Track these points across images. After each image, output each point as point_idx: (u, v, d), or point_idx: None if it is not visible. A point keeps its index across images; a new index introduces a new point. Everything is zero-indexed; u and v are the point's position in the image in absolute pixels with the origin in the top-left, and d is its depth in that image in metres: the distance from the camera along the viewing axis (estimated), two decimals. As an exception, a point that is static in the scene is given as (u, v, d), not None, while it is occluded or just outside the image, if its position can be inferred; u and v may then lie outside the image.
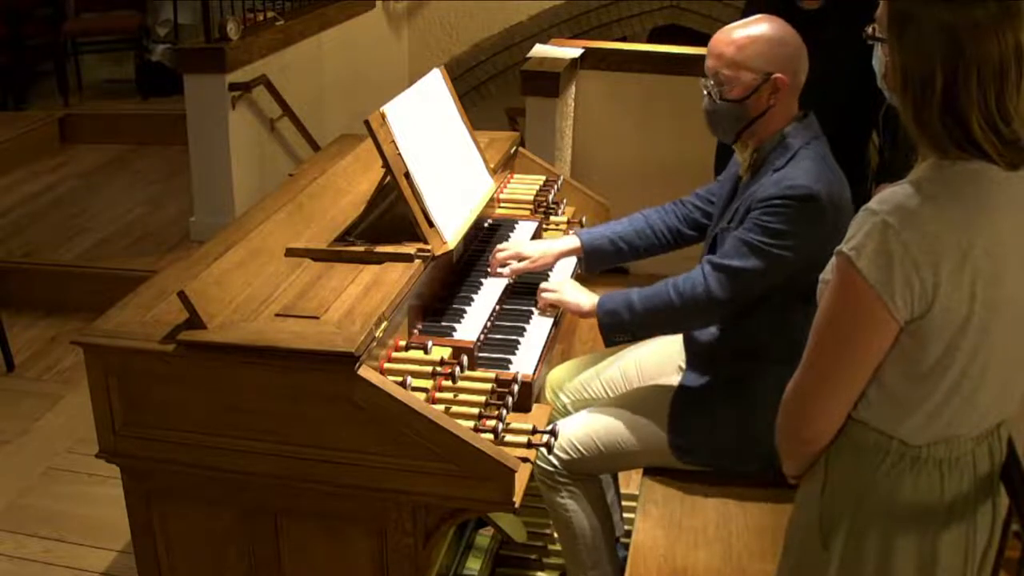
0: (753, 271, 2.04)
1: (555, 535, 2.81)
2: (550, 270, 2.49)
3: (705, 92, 2.13)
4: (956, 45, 1.34)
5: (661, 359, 2.44)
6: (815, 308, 2.09)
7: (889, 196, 1.41)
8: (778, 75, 2.05)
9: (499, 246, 2.44)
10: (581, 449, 2.24)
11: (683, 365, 2.33)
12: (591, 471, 2.29)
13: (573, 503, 2.30)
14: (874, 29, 1.47)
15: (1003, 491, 1.57)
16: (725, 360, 2.19)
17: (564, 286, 2.30)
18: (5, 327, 3.97)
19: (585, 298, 2.24)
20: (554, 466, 2.27)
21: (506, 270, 2.37)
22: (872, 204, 1.42)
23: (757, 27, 2.07)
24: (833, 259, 1.47)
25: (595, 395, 2.48)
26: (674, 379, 2.30)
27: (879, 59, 1.50)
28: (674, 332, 2.34)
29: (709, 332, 2.21)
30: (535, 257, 2.38)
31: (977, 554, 1.56)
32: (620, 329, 2.17)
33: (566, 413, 2.47)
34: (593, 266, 2.44)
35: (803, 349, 2.08)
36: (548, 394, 2.56)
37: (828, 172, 2.04)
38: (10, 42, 6.39)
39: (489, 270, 2.41)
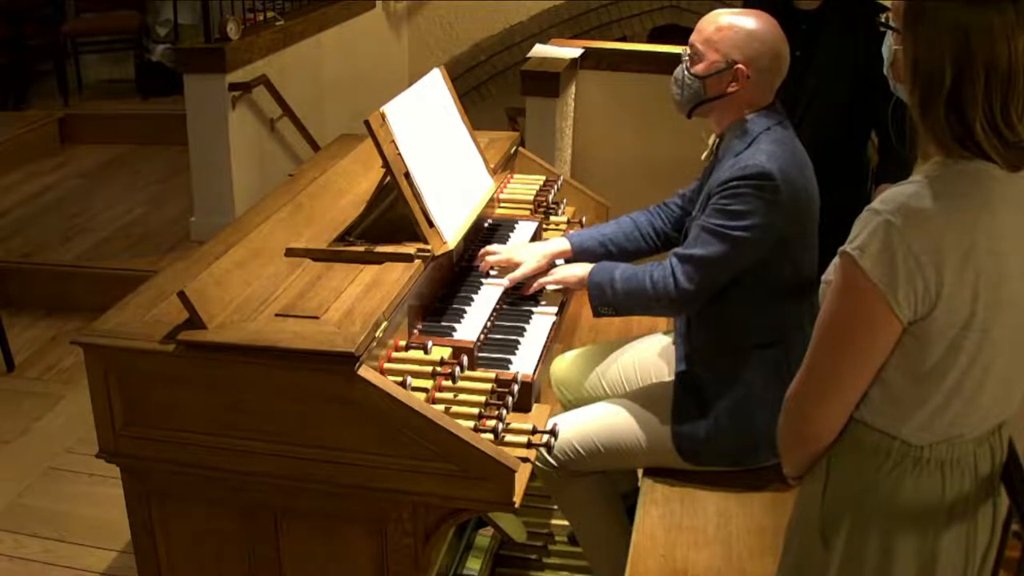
0: (717, 257, 2.07)
1: (559, 535, 2.82)
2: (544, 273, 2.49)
3: (682, 61, 2.21)
4: (967, 46, 1.34)
5: (660, 357, 2.44)
6: (800, 298, 2.13)
7: (892, 196, 1.41)
8: (740, 65, 2.10)
9: (488, 248, 2.44)
10: (580, 450, 2.25)
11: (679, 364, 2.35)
12: (591, 470, 2.30)
13: (581, 498, 2.34)
14: (887, 17, 1.47)
15: (1003, 491, 1.57)
16: (714, 355, 2.20)
17: (557, 269, 2.37)
18: (5, 327, 3.97)
19: (579, 268, 2.30)
20: (552, 467, 2.28)
21: (504, 280, 2.38)
22: (875, 204, 1.42)
23: (744, 18, 2.13)
24: (836, 259, 1.46)
25: (596, 395, 2.48)
26: (672, 378, 2.30)
27: (888, 47, 1.50)
28: (649, 315, 2.41)
29: (695, 329, 2.23)
30: (529, 263, 2.38)
31: (977, 554, 1.56)
32: (604, 303, 2.22)
33: (568, 404, 2.52)
34: None
35: (790, 338, 2.12)
36: (552, 384, 2.60)
37: (786, 154, 2.07)
38: (10, 42, 6.39)
39: (478, 263, 2.42)
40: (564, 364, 2.59)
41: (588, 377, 2.52)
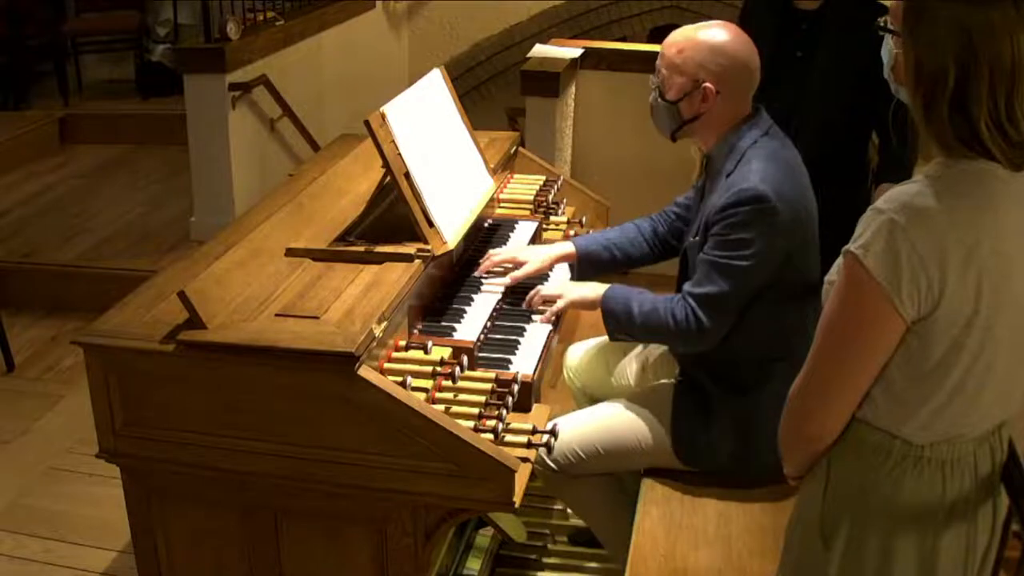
0: (729, 291, 2.06)
1: (559, 536, 2.82)
2: (547, 276, 2.49)
3: (652, 88, 2.19)
4: (970, 45, 1.34)
5: (670, 354, 2.44)
6: (803, 304, 2.13)
7: (895, 195, 1.41)
8: (707, 84, 2.07)
9: (493, 251, 2.44)
10: (581, 454, 2.25)
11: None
12: (592, 472, 2.29)
13: (587, 498, 2.35)
14: (886, 20, 1.47)
15: (1003, 491, 1.57)
16: (717, 362, 2.19)
17: (565, 289, 2.31)
18: (5, 327, 3.97)
19: (589, 291, 2.26)
20: (552, 470, 2.28)
21: (506, 279, 2.37)
22: (879, 203, 1.42)
23: (703, 33, 2.10)
24: (840, 259, 1.46)
25: (605, 387, 2.51)
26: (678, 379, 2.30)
27: (888, 51, 1.50)
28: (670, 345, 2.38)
29: None
30: (532, 263, 2.38)
31: (978, 554, 1.56)
32: (620, 331, 2.21)
33: (577, 392, 2.57)
34: (586, 273, 2.44)
35: (794, 345, 2.12)
36: (565, 373, 2.62)
37: (778, 171, 2.05)
38: (10, 42, 6.38)
39: (478, 273, 2.40)
40: (579, 353, 2.61)
41: (600, 368, 2.54)
